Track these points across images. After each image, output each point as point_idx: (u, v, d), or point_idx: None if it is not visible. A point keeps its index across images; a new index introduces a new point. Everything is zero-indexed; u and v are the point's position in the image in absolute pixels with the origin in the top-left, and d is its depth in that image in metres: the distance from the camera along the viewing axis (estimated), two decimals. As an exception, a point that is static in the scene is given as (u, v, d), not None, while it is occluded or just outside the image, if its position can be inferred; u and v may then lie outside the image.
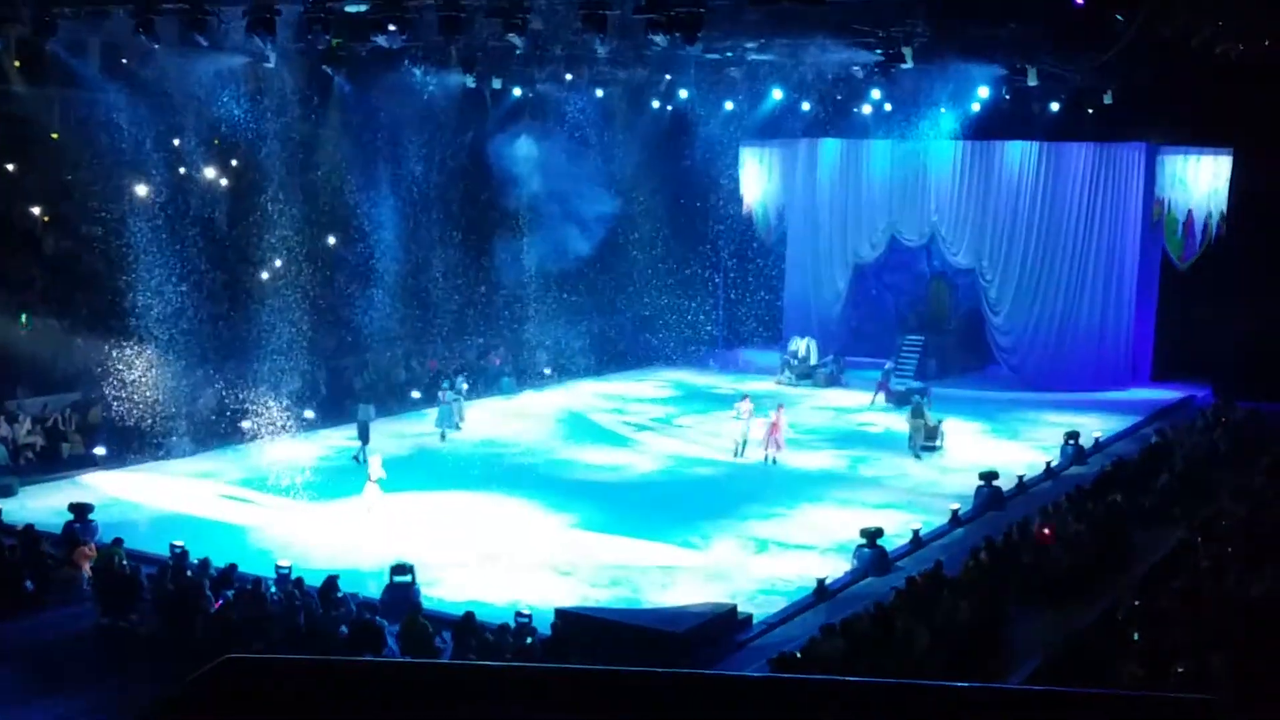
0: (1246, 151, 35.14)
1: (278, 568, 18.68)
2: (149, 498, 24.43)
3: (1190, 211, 36.84)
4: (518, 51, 25.10)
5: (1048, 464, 27.53)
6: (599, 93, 36.92)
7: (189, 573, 18.09)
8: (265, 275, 33.82)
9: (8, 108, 30.02)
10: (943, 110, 35.07)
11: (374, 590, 18.42)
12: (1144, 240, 37.31)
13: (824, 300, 40.53)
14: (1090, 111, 34.22)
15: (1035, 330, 37.71)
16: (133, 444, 27.02)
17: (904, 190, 38.75)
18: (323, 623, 16.58)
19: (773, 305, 42.32)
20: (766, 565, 21.08)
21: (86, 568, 18.86)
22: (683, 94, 37.58)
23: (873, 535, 20.80)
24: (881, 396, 34.38)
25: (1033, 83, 28.67)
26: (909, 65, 24.98)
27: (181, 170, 33.54)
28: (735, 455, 28.23)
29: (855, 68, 28.79)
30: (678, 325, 40.21)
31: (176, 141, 33.56)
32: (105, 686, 15.64)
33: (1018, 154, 37.33)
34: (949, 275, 39.23)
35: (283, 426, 29.23)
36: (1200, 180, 36.68)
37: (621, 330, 41.01)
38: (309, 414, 30.28)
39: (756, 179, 42.45)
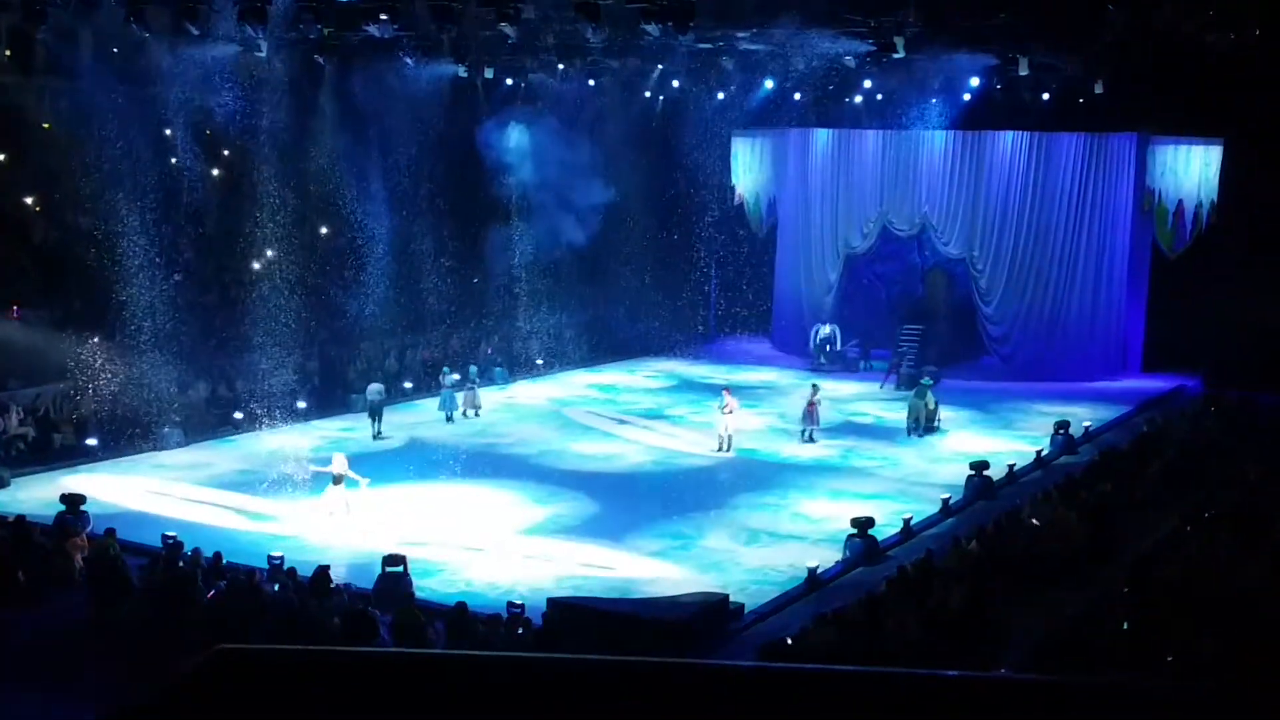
0: (1237, 141, 35.18)
1: (270, 558, 18.68)
2: (141, 489, 24.40)
3: (1181, 201, 36.89)
4: (510, 41, 25.03)
5: (1038, 453, 27.59)
6: (591, 82, 36.87)
7: (181, 563, 18.10)
8: (257, 265, 33.77)
9: (-2, 97, 29.96)
10: (934, 100, 35.07)
11: (366, 581, 18.43)
12: (1134, 230, 37.37)
13: (815, 290, 40.50)
14: (1081, 101, 34.24)
15: (1026, 320, 37.73)
16: (125, 435, 26.99)
17: (895, 180, 38.73)
18: (315, 613, 16.59)
19: (764, 295, 42.33)
20: (758, 555, 21.13)
21: (79, 558, 18.84)
22: (674, 84, 37.54)
23: (864, 525, 20.84)
24: (891, 385, 34.62)
25: (1024, 73, 28.68)
26: (900, 55, 24.99)
27: (173, 160, 33.44)
28: (720, 450, 28.11)
29: (847, 57, 28.77)
30: (669, 315, 40.20)
31: (168, 131, 33.45)
32: (97, 677, 15.64)
33: (1009, 144, 37.32)
34: (946, 265, 39.24)
35: (275, 417, 29.27)
36: (1191, 170, 36.73)
37: (613, 320, 40.99)
38: (301, 404, 30.30)
39: (748, 169, 42.45)
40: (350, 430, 29.63)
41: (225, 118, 33.65)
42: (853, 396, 34.46)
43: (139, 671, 14.95)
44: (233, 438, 28.55)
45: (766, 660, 14.77)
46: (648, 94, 39.16)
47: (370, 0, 21.82)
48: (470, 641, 15.72)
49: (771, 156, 41.80)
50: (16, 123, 30.65)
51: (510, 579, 19.38)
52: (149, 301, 28.77)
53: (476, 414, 31.29)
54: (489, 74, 34.15)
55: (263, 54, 30.50)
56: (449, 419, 30.78)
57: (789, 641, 15.37)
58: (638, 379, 37.24)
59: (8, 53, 29.87)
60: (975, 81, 33.22)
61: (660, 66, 34.65)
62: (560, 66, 33.74)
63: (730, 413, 28.35)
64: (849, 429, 30.90)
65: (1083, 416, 30.51)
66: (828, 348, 38.70)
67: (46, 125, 31.74)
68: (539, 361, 37.04)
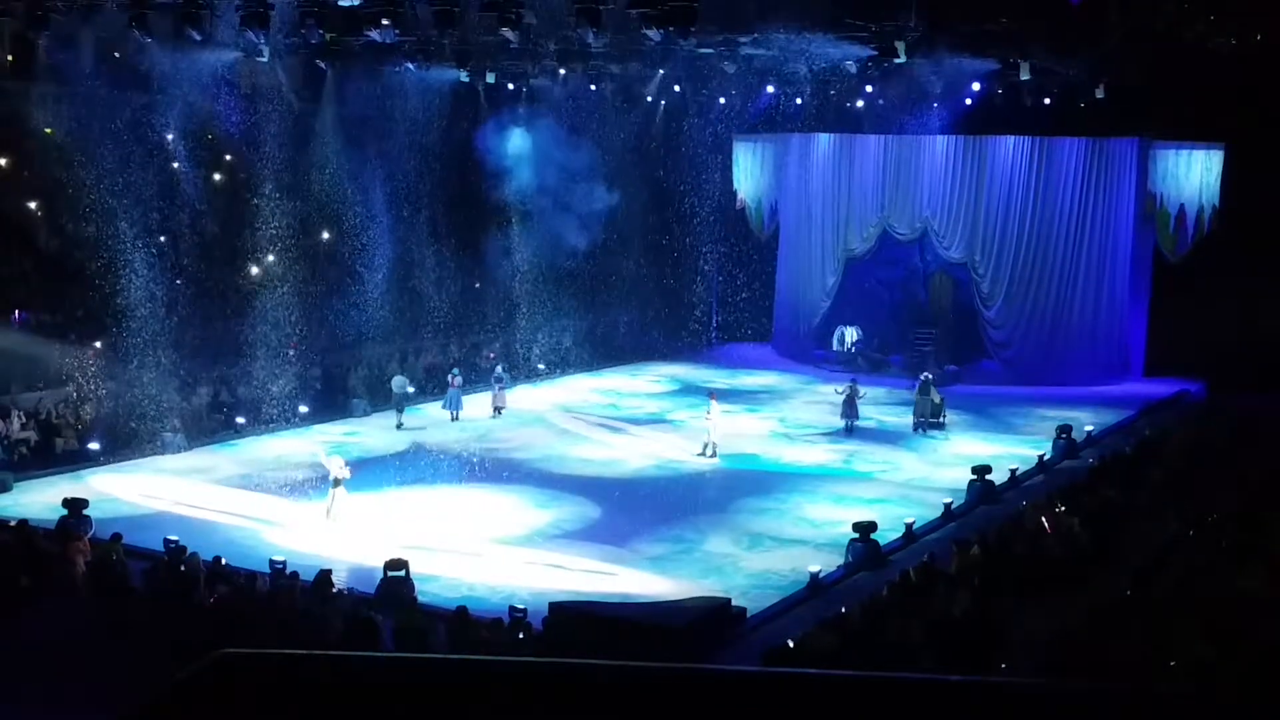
0: (1239, 146, 35.20)
1: (272, 562, 18.69)
2: (143, 493, 24.41)
3: (1183, 206, 36.93)
4: (511, 46, 25.05)
5: (1040, 458, 27.57)
6: (593, 87, 36.91)
7: (183, 568, 18.10)
8: (258, 271, 33.82)
9: (0, 103, 29.95)
10: (935, 105, 35.10)
11: (369, 585, 18.42)
12: (1136, 235, 37.40)
13: (815, 295, 40.54)
14: (1083, 106, 34.26)
15: (1028, 324, 37.75)
16: (127, 440, 27.02)
17: (896, 185, 38.75)
18: (317, 617, 16.58)
19: (765, 300, 42.37)
20: (760, 560, 21.11)
21: (81, 562, 18.84)
22: (676, 88, 37.58)
23: (866, 529, 20.83)
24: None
25: (1025, 77, 28.72)
26: (902, 60, 25.00)
27: (175, 165, 33.49)
28: (705, 455, 27.99)
29: (848, 62, 28.79)
30: (671, 320, 40.22)
31: (170, 137, 33.50)
32: (100, 681, 15.62)
33: (1010, 148, 37.34)
34: (950, 269, 39.28)
35: (277, 422, 29.31)
36: (1193, 175, 36.76)
37: (615, 325, 41.01)
38: (303, 409, 30.35)
39: (749, 173, 42.48)
40: (353, 434, 29.65)
41: (227, 123, 33.73)
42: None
43: (141, 676, 14.94)
44: (234, 442, 28.56)
45: (768, 665, 14.75)
46: (649, 98, 39.21)
47: (372, 5, 21.80)
48: (471, 646, 15.71)
49: (773, 161, 41.82)
50: (19, 128, 30.69)
51: (512, 583, 19.36)
52: (151, 306, 28.80)
53: (499, 413, 31.87)
54: (490, 79, 34.18)
55: (264, 59, 30.52)
56: (455, 418, 31.10)
57: (791, 646, 15.36)
58: (640, 384, 37.24)
59: (9, 58, 29.91)
60: (976, 86, 33.24)
61: (661, 71, 34.70)
62: (562, 71, 33.77)
63: (710, 418, 28.28)
64: (852, 433, 30.87)
65: (1085, 421, 30.50)
66: (853, 349, 39.27)
67: (49, 131, 31.78)
68: (540, 366, 37.05)
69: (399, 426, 30.27)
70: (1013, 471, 26.08)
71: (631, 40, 26.52)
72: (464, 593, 18.63)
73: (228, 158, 36.80)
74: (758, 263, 42.05)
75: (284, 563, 18.63)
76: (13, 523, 20.18)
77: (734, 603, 18.09)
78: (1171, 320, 36.14)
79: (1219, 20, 25.80)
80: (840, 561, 20.63)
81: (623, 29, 23.90)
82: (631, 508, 24.00)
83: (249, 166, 34.55)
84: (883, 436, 30.52)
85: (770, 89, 35.67)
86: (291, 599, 17.09)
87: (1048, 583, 18.74)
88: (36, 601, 18.17)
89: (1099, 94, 32.99)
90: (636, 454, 28.50)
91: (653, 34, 20.55)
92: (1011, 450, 28.51)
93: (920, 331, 38.55)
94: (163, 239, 30.91)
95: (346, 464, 22.89)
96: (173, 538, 19.48)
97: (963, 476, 25.14)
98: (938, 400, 30.95)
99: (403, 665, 3.92)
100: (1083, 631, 15.80)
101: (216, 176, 36.78)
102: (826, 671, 3.63)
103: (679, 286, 40.46)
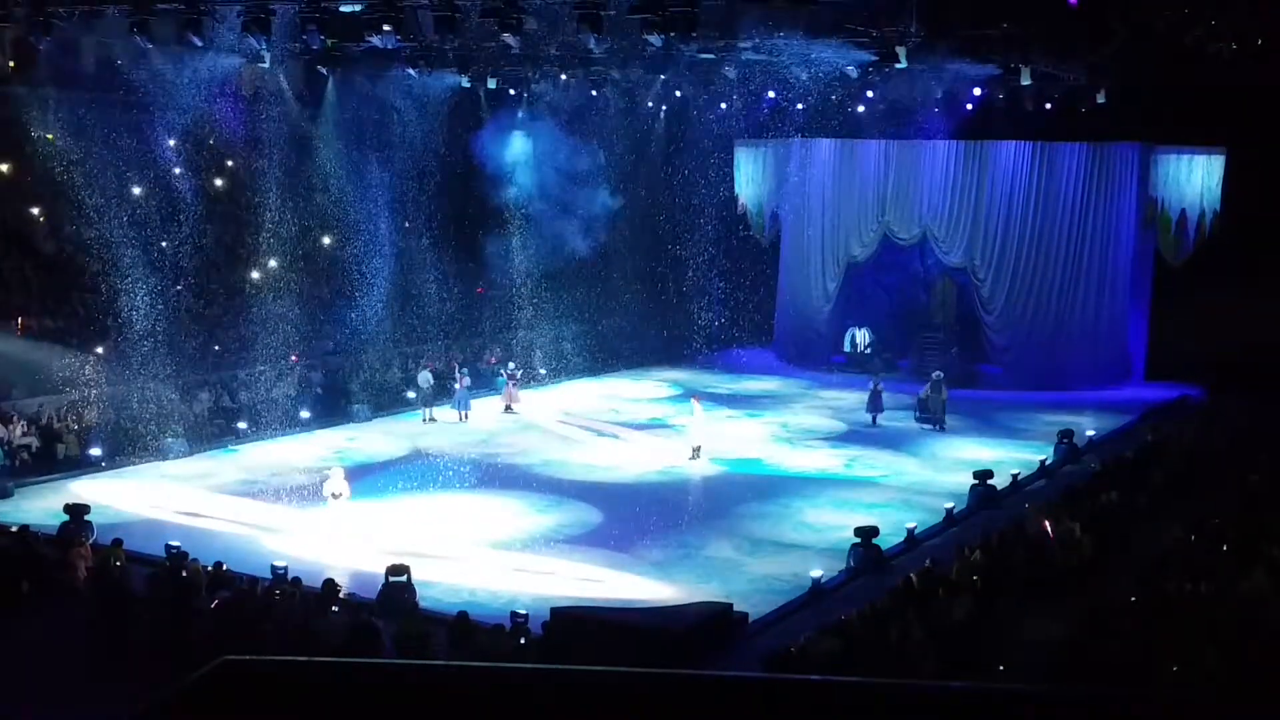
0: (1239, 150, 35.23)
1: (274, 568, 18.69)
2: (144, 499, 24.40)
3: (1184, 210, 36.97)
4: (513, 51, 25.09)
5: (1042, 462, 27.57)
6: (594, 92, 36.93)
7: (184, 573, 18.09)
8: (259, 276, 33.83)
9: (2, 108, 29.96)
10: (936, 110, 35.11)
11: (370, 591, 18.41)
12: (1137, 239, 37.42)
13: (817, 299, 40.57)
14: (1083, 111, 34.28)
15: (1029, 329, 37.76)
16: (128, 446, 27.03)
17: (897, 190, 38.79)
18: (319, 623, 16.58)
19: (767, 304, 42.39)
20: (761, 565, 21.09)
21: (82, 568, 18.84)
22: (677, 93, 37.60)
23: (867, 534, 20.82)
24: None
25: (1026, 83, 28.74)
26: (903, 65, 25.01)
27: (176, 171, 33.53)
28: (693, 458, 28.00)
29: (849, 67, 28.80)
30: (673, 324, 40.22)
31: (171, 142, 33.54)
32: (102, 688, 15.62)
33: (1011, 153, 37.36)
34: (953, 274, 39.31)
35: (278, 428, 29.31)
36: (1194, 179, 36.80)
37: (617, 330, 41.03)
38: (305, 414, 30.37)
39: (750, 178, 42.49)
40: (353, 440, 29.66)
41: (228, 128, 33.75)
42: (857, 405, 34.44)
43: (143, 682, 14.94)
44: (235, 448, 28.57)
45: (770, 670, 14.75)
46: (650, 104, 39.23)
47: (373, 11, 21.81)
48: (472, 651, 15.69)
49: (774, 166, 41.84)
50: (20, 134, 30.72)
51: (514, 588, 19.34)
52: (152, 311, 28.81)
53: (510, 410, 32.71)
54: (492, 84, 34.22)
55: (266, 64, 30.55)
56: (463, 418, 31.66)
57: (793, 651, 15.35)
58: (641, 388, 37.24)
59: (11, 63, 29.93)
60: (977, 91, 33.25)
61: (663, 76, 34.73)
62: (563, 76, 33.79)
63: (693, 420, 28.49)
64: (853, 438, 30.90)
65: (1086, 425, 30.51)
66: (867, 350, 39.54)
67: (50, 136, 31.81)
68: (542, 371, 37.07)
69: (427, 420, 31.53)
70: (1014, 476, 26.08)
71: (633, 45, 26.52)
72: (465, 598, 18.62)
73: (229, 163, 36.83)
74: (759, 267, 42.07)
75: (285, 568, 18.63)
76: (14, 528, 20.18)
77: (735, 608, 18.07)
78: (1173, 324, 36.15)
79: (1219, 25, 25.79)
80: (842, 566, 20.63)
81: (624, 34, 23.91)
82: (633, 513, 23.97)
83: (250, 171, 34.59)
84: (884, 441, 30.52)
85: (771, 94, 35.68)
86: (292, 605, 17.08)
87: (1050, 587, 18.75)
88: (37, 606, 18.19)
89: (1100, 99, 33.00)
90: (637, 459, 28.47)
91: (654, 39, 20.56)
92: (1013, 455, 28.52)
93: (929, 335, 38.67)
94: (164, 244, 30.91)
95: (346, 478, 22.73)
96: (174, 543, 19.48)
97: (964, 481, 25.13)
98: (944, 397, 31.67)
99: (404, 671, 3.92)
100: (1085, 636, 15.79)
101: (218, 182, 36.79)
102: (828, 677, 3.63)
103: (680, 291, 40.47)
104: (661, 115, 40.48)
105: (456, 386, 32.11)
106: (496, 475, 26.46)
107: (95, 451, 26.52)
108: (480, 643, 15.97)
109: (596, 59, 30.31)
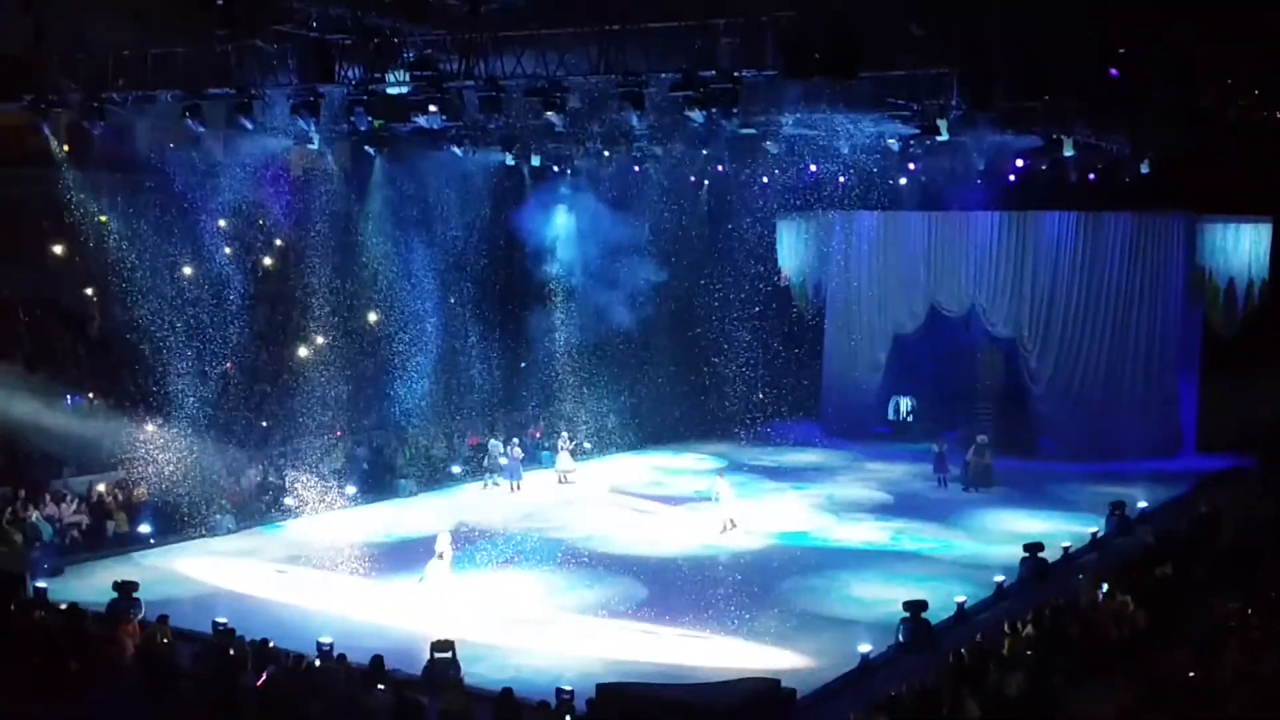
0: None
1: (319, 644, 18.67)
2: (192, 576, 24.53)
3: (1232, 280, 36.69)
4: (556, 129, 25.43)
5: (1093, 535, 27.20)
6: (636, 168, 37.25)
7: (231, 650, 18.10)
8: (306, 353, 34.15)
9: (57, 192, 30.61)
10: (979, 181, 35.13)
11: (415, 666, 18.34)
12: (1185, 309, 37.10)
13: (864, 371, 40.48)
14: (1128, 181, 34.17)
15: (1077, 399, 37.47)
16: (176, 522, 27.22)
17: (942, 261, 38.81)
18: (364, 700, 16.52)
19: (812, 377, 42.23)
20: (809, 639, 20.85)
21: (131, 645, 18.89)
22: (719, 167, 37.85)
23: (916, 608, 20.55)
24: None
25: (1069, 153, 28.72)
26: (944, 138, 25.06)
27: (227, 250, 34.06)
28: (726, 530, 27.95)
29: (890, 140, 28.91)
30: (717, 398, 40.13)
31: (222, 223, 34.10)
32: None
33: (1056, 224, 37.32)
34: (1000, 344, 39.18)
35: (324, 504, 29.44)
36: (1241, 248, 36.58)
37: (661, 403, 41.00)
38: (350, 490, 30.49)
39: (793, 251, 42.55)
40: (399, 516, 29.72)
41: (277, 208, 34.31)
42: (904, 476, 34.24)
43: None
44: (281, 524, 28.69)
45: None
46: (692, 178, 39.52)
47: (420, 93, 22.16)
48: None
49: (817, 238, 41.91)
50: (74, 216, 31.34)
51: (559, 664, 19.23)
52: (201, 389, 29.16)
53: (565, 479, 33.46)
54: (535, 161, 34.61)
55: (314, 146, 31.08)
56: (515, 488, 32.36)
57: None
58: (685, 461, 37.16)
59: (66, 148, 30.60)
60: (1020, 162, 33.28)
61: (705, 151, 34.99)
62: (605, 153, 34.12)
63: (720, 496, 28.53)
64: (899, 510, 30.65)
65: (1138, 497, 30.09)
66: (909, 418, 40.01)
67: (103, 219, 32.42)
68: (587, 445, 37.11)
69: (485, 485, 32.69)
70: (1066, 549, 25.73)
71: (674, 122, 26.76)
72: (510, 674, 18.50)
73: (277, 242, 37.38)
74: (803, 340, 41.98)
75: (331, 645, 18.62)
76: (63, 605, 20.29)
77: (783, 684, 17.86)
78: (1223, 394, 35.70)
79: (1263, 95, 25.75)
80: (890, 641, 20.36)
81: (666, 111, 24.13)
82: (678, 587, 23.85)
83: (298, 250, 35.06)
84: (932, 513, 30.24)
85: (813, 167, 35.83)
86: (338, 682, 17.04)
87: (1104, 662, 18.42)
88: (85, 684, 18.22)
89: (1144, 168, 32.91)
90: (682, 532, 28.34)
91: (695, 115, 20.72)
92: (1064, 527, 28.16)
93: (977, 405, 38.73)
94: (213, 322, 31.31)
95: (452, 541, 23.28)
96: (221, 620, 19.52)
97: (1014, 554, 24.81)
98: (988, 461, 32.48)
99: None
100: (1143, 712, 15.48)
101: (267, 261, 37.31)
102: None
103: (724, 364, 40.42)
104: (704, 189, 40.74)
105: (506, 459, 32.65)
106: (541, 550, 26.41)
107: (145, 528, 26.69)
108: (526, 720, 15.88)
109: (639, 135, 30.59)
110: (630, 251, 37.50)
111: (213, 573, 24.69)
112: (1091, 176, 34.66)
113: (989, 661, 17.32)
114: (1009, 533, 27.80)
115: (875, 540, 27.90)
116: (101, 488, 27.69)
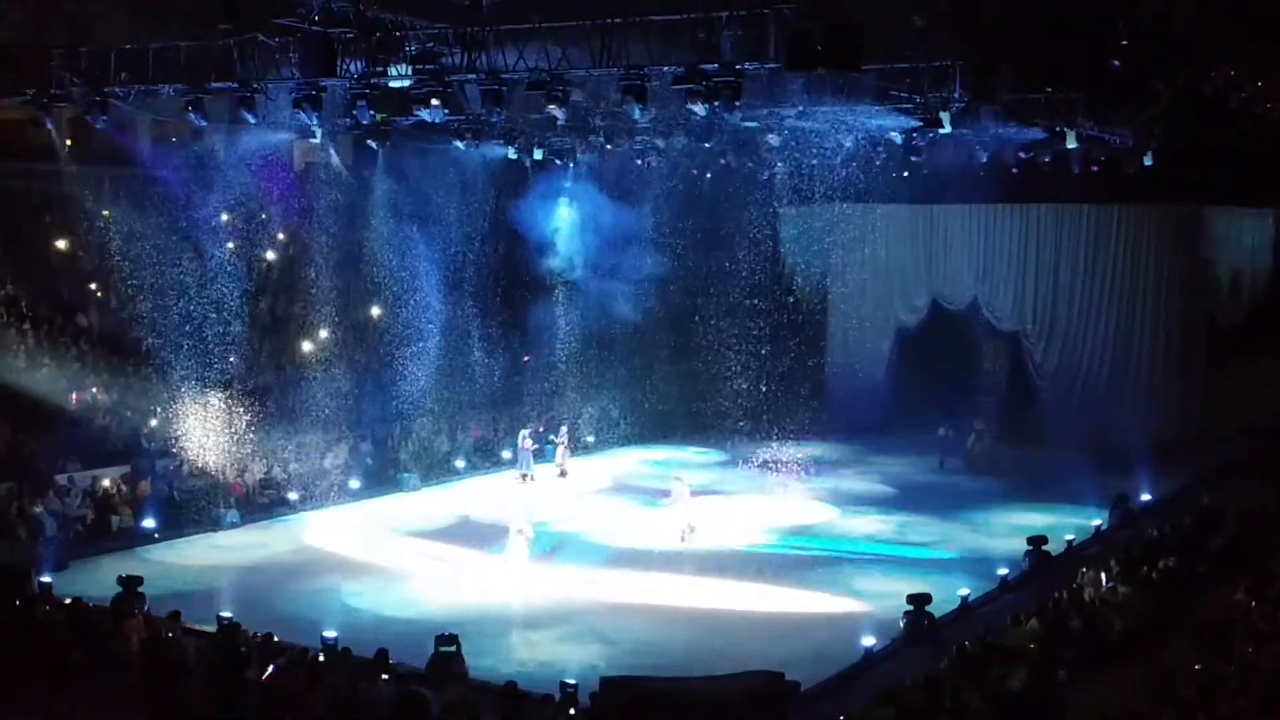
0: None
1: (324, 638, 18.70)
2: (197, 570, 24.56)
3: (1235, 271, 36.66)
4: (559, 123, 25.40)
5: (1097, 527, 27.19)
6: (638, 161, 37.20)
7: (236, 644, 18.11)
8: (309, 347, 34.14)
9: (60, 187, 30.59)
10: (982, 173, 35.08)
11: (419, 659, 18.36)
12: (1189, 300, 37.06)
13: (866, 364, 40.45)
14: (1131, 173, 34.11)
15: (1082, 392, 37.44)
16: (181, 516, 27.24)
17: (944, 255, 38.82)
18: (368, 693, 16.54)
19: (814, 369, 42.16)
20: (813, 633, 20.87)
21: (135, 640, 18.90)
22: (721, 160, 37.80)
23: (920, 602, 20.57)
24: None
25: (1071, 146, 28.67)
26: (947, 130, 25.03)
27: (230, 245, 34.03)
28: (682, 539, 26.80)
29: (893, 133, 28.88)
30: (719, 392, 40.08)
31: (224, 217, 34.08)
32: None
33: (1059, 216, 37.29)
34: (1004, 336, 39.18)
35: (328, 498, 29.46)
36: (1244, 240, 36.56)
37: (662, 397, 40.97)
38: (354, 484, 30.52)
39: (795, 243, 42.49)
40: (402, 509, 29.74)
41: (279, 202, 34.29)
42: (908, 468, 34.28)
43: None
44: (286, 518, 28.71)
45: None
46: (694, 171, 39.47)
47: (422, 86, 22.15)
48: (523, 722, 15.60)
49: (819, 231, 41.83)
50: (76, 211, 31.33)
51: (563, 657, 19.25)
52: (205, 383, 29.13)
53: (563, 474, 33.45)
54: (538, 154, 34.59)
55: (317, 139, 31.08)
56: (527, 478, 32.67)
57: (846, 721, 15.15)
58: (688, 456, 37.15)
59: (69, 142, 30.59)
60: (1023, 154, 33.21)
61: (707, 144, 34.95)
62: (608, 146, 34.09)
63: (674, 502, 27.56)
64: (903, 504, 30.65)
65: (1141, 489, 30.06)
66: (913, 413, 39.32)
67: (106, 213, 32.43)
68: (589, 439, 37.10)
69: (525, 479, 32.70)
70: (1069, 541, 25.74)
71: (677, 115, 26.75)
72: (514, 667, 18.54)
73: (280, 236, 37.36)
74: (805, 332, 41.90)
75: (335, 638, 18.64)
76: (67, 600, 20.31)
77: (787, 677, 17.86)
78: (1227, 386, 35.68)
79: (1266, 86, 25.70)
80: (894, 635, 20.37)
81: (668, 104, 24.11)
82: (682, 580, 23.85)
83: (301, 244, 35.03)
84: (936, 506, 30.23)
85: (815, 160, 35.76)
86: (342, 675, 17.06)
87: (1108, 655, 18.43)
88: (89, 676, 18.26)
89: (1147, 160, 32.84)
90: (686, 526, 28.27)
91: (698, 109, 20.71)
92: (1067, 520, 28.12)
93: (981, 398, 38.62)
94: (216, 316, 31.30)
95: (532, 523, 24.32)
96: (226, 614, 19.54)
97: (1018, 547, 24.83)
98: (988, 447, 33.54)
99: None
100: (1145, 704, 15.48)
101: (269, 255, 37.28)
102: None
103: (726, 356, 40.39)
104: (706, 182, 40.68)
105: (519, 450, 33.16)
106: (544, 543, 26.39)
107: (150, 523, 26.71)
108: (529, 713, 15.89)
109: (641, 128, 30.57)
110: (632, 244, 37.47)
111: (218, 567, 24.70)
112: (1095, 169, 34.62)
113: (992, 655, 17.33)
114: (1012, 526, 27.81)
115: (880, 534, 27.93)
116: (106, 482, 27.67)
